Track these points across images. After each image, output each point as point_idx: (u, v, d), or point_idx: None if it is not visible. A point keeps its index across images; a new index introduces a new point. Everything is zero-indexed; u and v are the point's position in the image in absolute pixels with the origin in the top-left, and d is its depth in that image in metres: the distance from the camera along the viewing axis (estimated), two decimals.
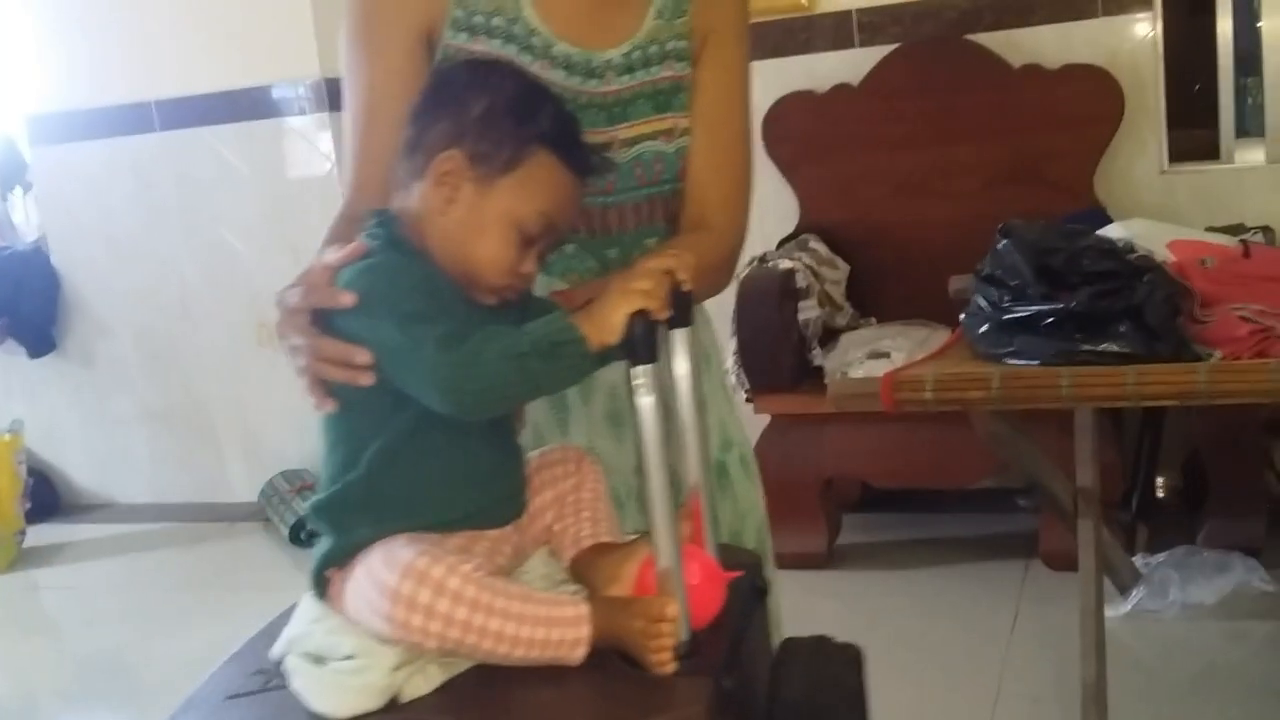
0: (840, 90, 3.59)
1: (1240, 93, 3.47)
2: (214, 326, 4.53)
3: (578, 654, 1.03)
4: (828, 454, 3.32)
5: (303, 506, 4.15)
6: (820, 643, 1.16)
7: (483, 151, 1.13)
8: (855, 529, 3.58)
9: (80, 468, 4.88)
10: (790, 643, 1.17)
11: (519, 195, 1.13)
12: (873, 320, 3.49)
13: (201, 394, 4.63)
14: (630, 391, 1.02)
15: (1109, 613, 2.50)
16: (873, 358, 3.19)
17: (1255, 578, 2.83)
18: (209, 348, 4.56)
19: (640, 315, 1.01)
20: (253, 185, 4.35)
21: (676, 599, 1.03)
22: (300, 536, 4.10)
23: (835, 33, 3.63)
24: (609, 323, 1.02)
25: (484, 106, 1.14)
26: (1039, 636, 2.83)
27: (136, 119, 4.38)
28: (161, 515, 4.67)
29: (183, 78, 4.29)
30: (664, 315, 1.02)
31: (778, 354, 3.26)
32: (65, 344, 4.77)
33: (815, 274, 3.40)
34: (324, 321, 1.08)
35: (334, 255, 1.10)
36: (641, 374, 1.01)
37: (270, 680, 1.10)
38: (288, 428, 4.53)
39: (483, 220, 1.13)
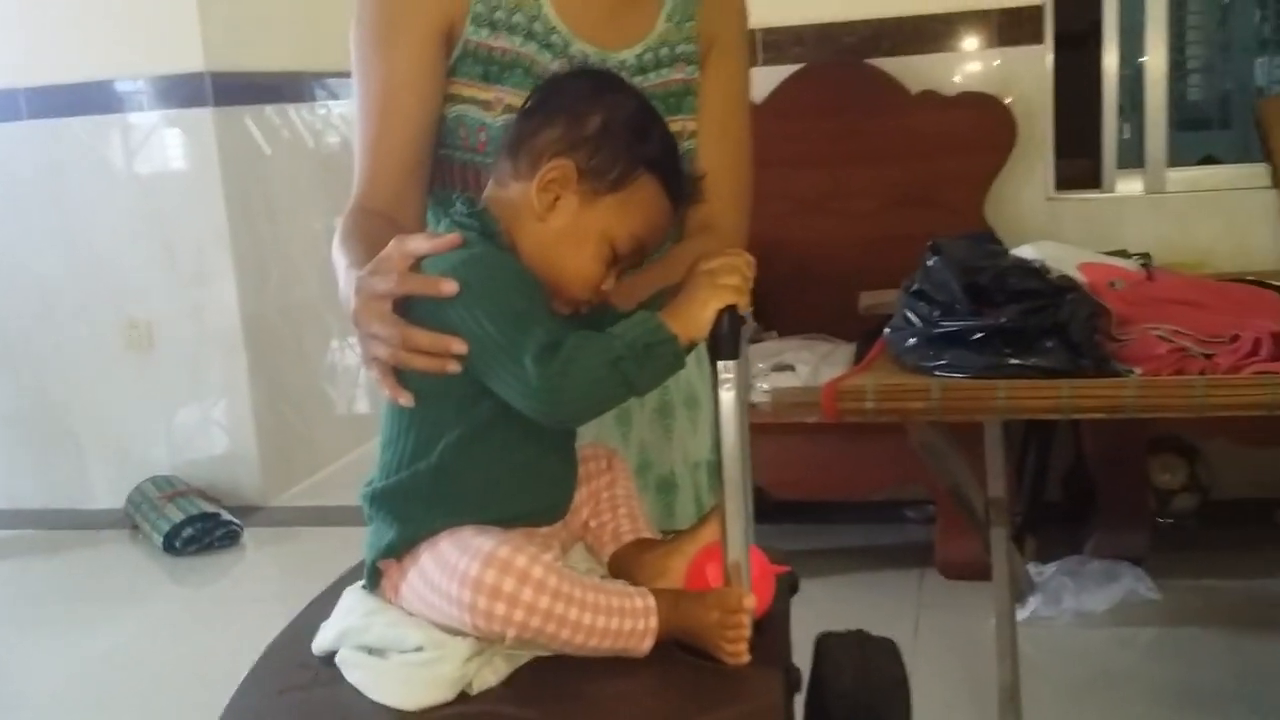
0: None
1: (1121, 125, 3.64)
2: (77, 326, 4.33)
3: (646, 645, 1.04)
4: None
5: (177, 514, 4.00)
6: (860, 636, 1.18)
7: (594, 167, 1.12)
8: None
9: None
10: (830, 636, 1.19)
11: (619, 215, 1.12)
12: (774, 334, 3.55)
13: (61, 396, 4.42)
14: (715, 385, 1.02)
15: None
16: (777, 370, 3.24)
17: (1142, 586, 2.97)
18: (71, 348, 4.36)
19: (728, 311, 1.02)
20: (126, 180, 4.19)
21: (749, 592, 1.04)
22: (175, 545, 3.95)
23: None
24: (700, 319, 1.02)
25: (600, 122, 1.13)
26: (943, 643, 2.91)
27: (3, 106, 4.17)
28: (12, 522, 4.44)
29: (56, 65, 4.10)
30: (749, 310, 1.03)
31: None
32: None
33: None
34: (405, 310, 1.06)
35: (421, 242, 1.07)
36: (726, 370, 1.02)
37: (318, 674, 1.07)
38: (155, 433, 4.37)
39: (581, 234, 1.12)
